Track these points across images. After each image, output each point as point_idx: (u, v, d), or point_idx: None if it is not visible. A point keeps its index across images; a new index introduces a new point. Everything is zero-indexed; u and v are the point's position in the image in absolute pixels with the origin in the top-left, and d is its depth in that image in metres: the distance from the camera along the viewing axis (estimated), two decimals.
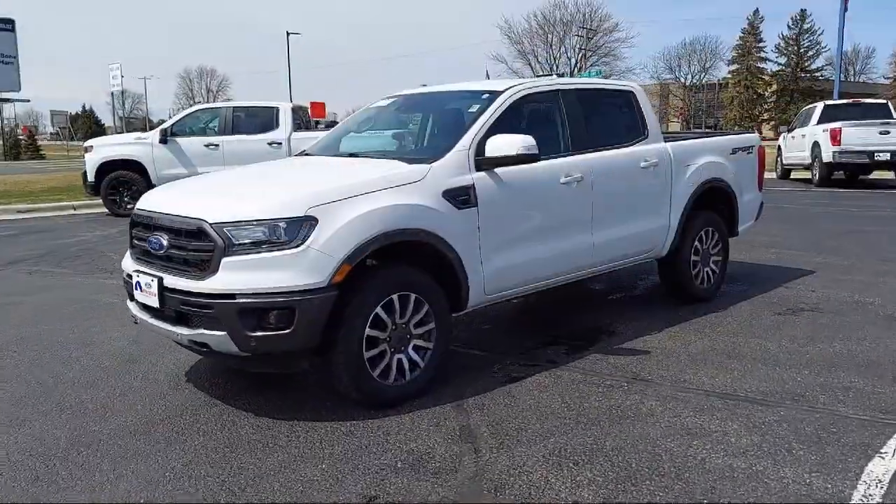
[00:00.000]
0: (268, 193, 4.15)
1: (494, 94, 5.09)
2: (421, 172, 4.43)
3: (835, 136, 17.09)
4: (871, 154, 16.85)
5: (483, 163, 4.67)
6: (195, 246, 3.93)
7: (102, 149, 14.45)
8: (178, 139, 14.30)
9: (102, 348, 5.48)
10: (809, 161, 18.55)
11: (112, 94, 41.09)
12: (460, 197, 4.52)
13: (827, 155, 17.34)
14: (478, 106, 5.02)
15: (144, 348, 5.39)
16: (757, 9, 77.91)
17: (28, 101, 51.60)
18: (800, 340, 5.37)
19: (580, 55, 72.71)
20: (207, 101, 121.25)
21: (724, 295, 6.78)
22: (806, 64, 77.83)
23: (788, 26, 78.57)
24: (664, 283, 6.65)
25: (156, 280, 4.04)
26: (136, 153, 14.21)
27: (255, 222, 3.81)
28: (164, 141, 14.19)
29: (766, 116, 76.10)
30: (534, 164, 4.87)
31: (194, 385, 4.66)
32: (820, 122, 18.41)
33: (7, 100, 43.37)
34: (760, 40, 78.40)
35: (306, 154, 5.66)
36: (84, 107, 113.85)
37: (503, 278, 4.85)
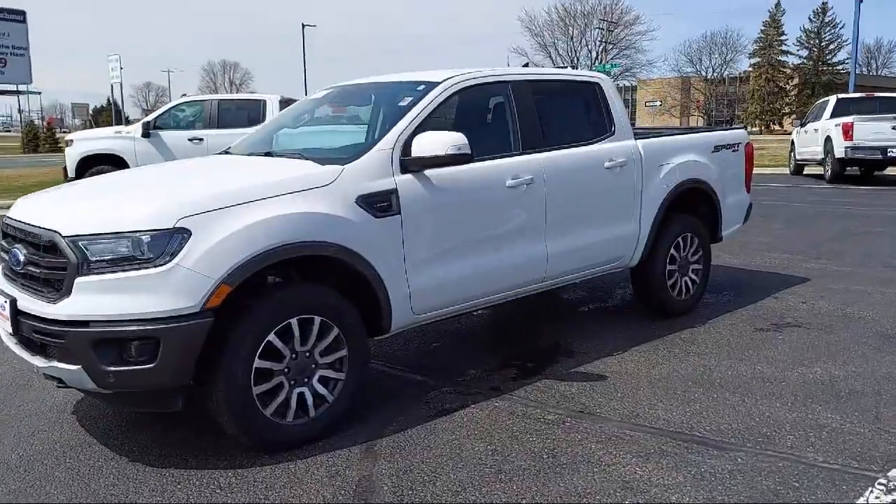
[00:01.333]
0: (138, 201, 3.57)
1: (430, 86, 4.51)
2: (330, 175, 3.85)
3: (847, 131, 16.33)
4: (884, 150, 16.08)
5: (409, 164, 4.10)
6: (49, 262, 3.38)
7: (83, 143, 13.98)
8: (162, 133, 13.81)
9: None
10: (822, 156, 17.77)
11: (112, 86, 40.69)
12: (380, 203, 3.94)
13: (839, 150, 16.58)
14: (410, 99, 4.44)
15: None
16: (778, 1, 76.26)
17: (39, 93, 51.33)
18: (778, 363, 4.75)
19: (601, 48, 71.79)
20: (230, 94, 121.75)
21: (706, 306, 6.17)
22: (827, 57, 76.40)
23: (810, 19, 77.47)
24: (637, 294, 6.04)
25: (9, 301, 3.49)
26: (116, 147, 13.73)
27: (114, 235, 3.25)
28: (146, 135, 13.68)
29: (787, 110, 74.56)
30: (472, 165, 4.32)
31: (79, 419, 4.11)
32: (833, 116, 17.65)
33: (18, 91, 43.26)
34: (782, 33, 76.92)
35: (227, 152, 5.10)
36: (109, 100, 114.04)
37: (436, 295, 4.28)
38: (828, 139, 17.20)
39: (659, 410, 4.06)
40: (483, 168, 4.45)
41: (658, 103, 66.24)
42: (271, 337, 3.50)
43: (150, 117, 14.26)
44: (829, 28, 75.87)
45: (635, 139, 5.51)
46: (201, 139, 13.79)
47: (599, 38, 68.14)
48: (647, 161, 5.47)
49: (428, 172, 4.15)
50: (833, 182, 17.10)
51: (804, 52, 77.30)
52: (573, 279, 5.26)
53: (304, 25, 55.39)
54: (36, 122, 55.13)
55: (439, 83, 4.52)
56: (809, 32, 76.67)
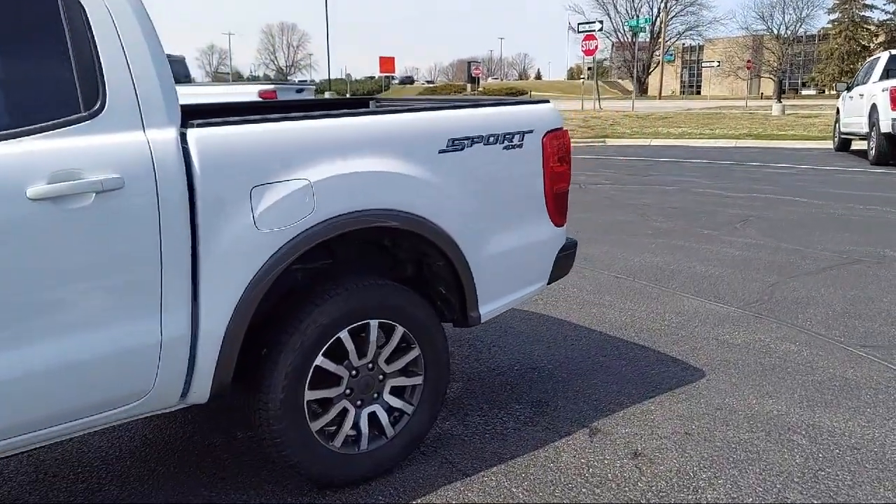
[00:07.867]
0: None
1: None
2: None
3: None
4: None
5: None
6: None
7: None
8: None
9: None
10: (867, 130, 13.99)
11: None
12: None
13: (885, 123, 12.81)
14: None
15: None
16: None
17: None
18: None
19: (662, 4, 66.76)
20: (288, 56, 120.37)
21: (434, 451, 3.09)
22: None
23: None
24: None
25: None
26: None
27: None
28: None
29: None
30: None
31: None
32: (882, 77, 13.83)
33: None
34: None
35: None
36: None
37: None
38: (873, 108, 13.41)
39: None
40: None
41: (716, 64, 60.59)
42: None
43: None
44: None
45: (189, 126, 2.42)
46: None
47: None
48: (206, 176, 2.37)
49: None
50: (879, 164, 13.36)
51: (892, 7, 70.47)
52: None
53: None
54: None
55: None
56: None
